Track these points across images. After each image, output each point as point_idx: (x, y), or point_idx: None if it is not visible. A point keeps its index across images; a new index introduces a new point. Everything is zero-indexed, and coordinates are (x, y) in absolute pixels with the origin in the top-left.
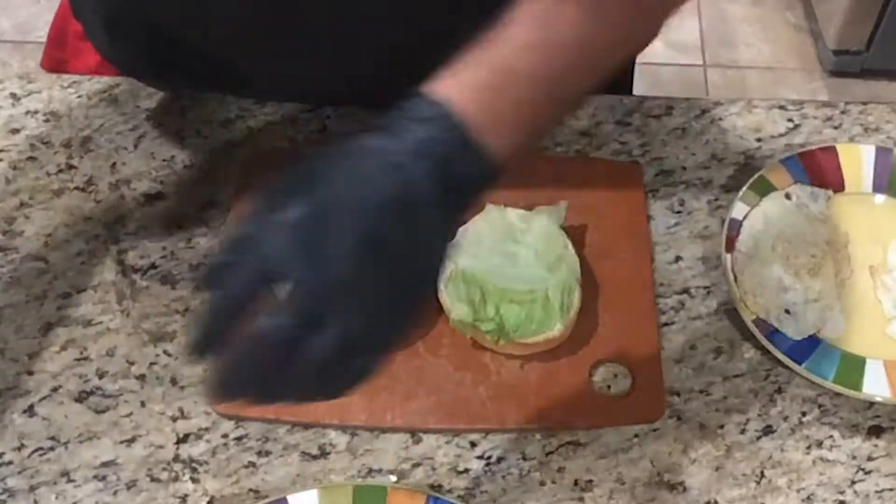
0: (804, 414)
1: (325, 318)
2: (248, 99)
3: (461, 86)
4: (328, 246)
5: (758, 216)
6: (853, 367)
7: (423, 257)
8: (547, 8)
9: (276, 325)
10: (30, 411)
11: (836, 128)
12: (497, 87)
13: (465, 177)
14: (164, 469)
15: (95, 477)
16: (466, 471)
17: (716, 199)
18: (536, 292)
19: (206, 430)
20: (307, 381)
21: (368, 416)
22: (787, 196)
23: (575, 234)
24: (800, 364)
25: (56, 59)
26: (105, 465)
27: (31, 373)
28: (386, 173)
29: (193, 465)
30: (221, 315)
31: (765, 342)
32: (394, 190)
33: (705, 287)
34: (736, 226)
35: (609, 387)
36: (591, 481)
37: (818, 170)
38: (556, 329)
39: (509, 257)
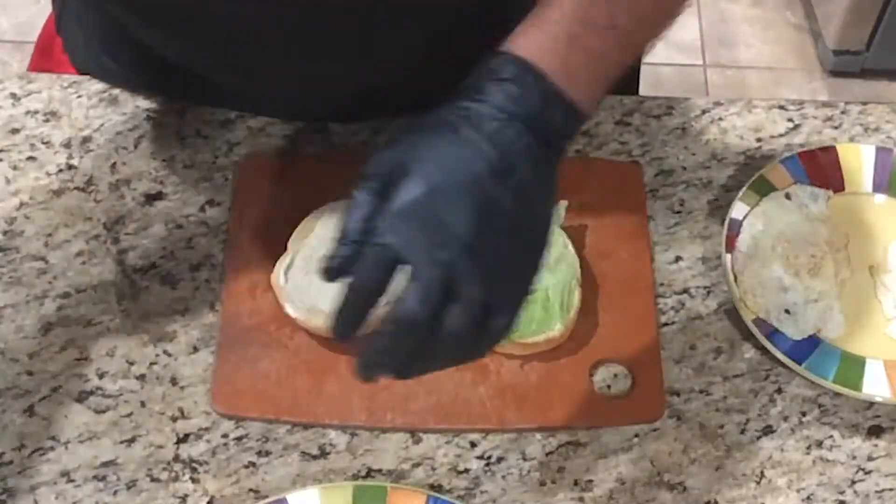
0: (804, 414)
1: (458, 291)
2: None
3: (537, 42)
4: (447, 224)
5: (758, 216)
6: (853, 367)
7: (534, 212)
8: None
9: (412, 309)
10: (30, 411)
11: (836, 128)
12: (571, 41)
13: (556, 128)
14: (164, 469)
15: (95, 477)
16: (466, 471)
17: (716, 199)
18: (536, 292)
19: (206, 430)
20: (449, 350)
21: (368, 416)
22: (787, 196)
23: (575, 234)
24: (800, 364)
25: (41, 69)
26: (105, 465)
27: (31, 373)
28: (484, 140)
29: (193, 465)
30: (357, 306)
31: (765, 342)
32: (495, 156)
33: (705, 287)
34: (736, 226)
35: (609, 387)
36: (591, 481)
37: (818, 170)
38: (555, 329)
39: None
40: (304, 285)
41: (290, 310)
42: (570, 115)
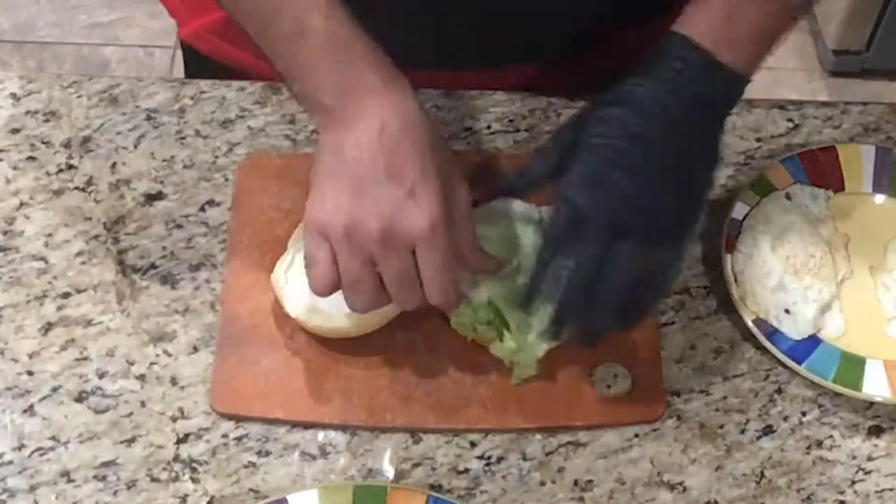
0: (804, 414)
1: (625, 235)
2: None
3: (700, 20)
4: (614, 186)
5: (758, 216)
6: (853, 367)
7: (693, 172)
8: None
9: (582, 247)
10: (30, 411)
11: (836, 128)
12: (731, 15)
13: (718, 95)
14: (164, 469)
15: (95, 477)
16: (466, 471)
17: (716, 199)
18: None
19: (206, 430)
20: (622, 289)
21: (368, 416)
22: (787, 196)
23: None
24: (800, 364)
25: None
26: (105, 465)
27: (31, 373)
28: (649, 113)
29: (193, 465)
30: (584, 279)
31: (765, 342)
32: (659, 126)
33: (705, 287)
34: (736, 226)
35: (609, 387)
36: (591, 481)
37: (818, 170)
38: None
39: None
40: (303, 285)
41: (289, 309)
42: (732, 82)
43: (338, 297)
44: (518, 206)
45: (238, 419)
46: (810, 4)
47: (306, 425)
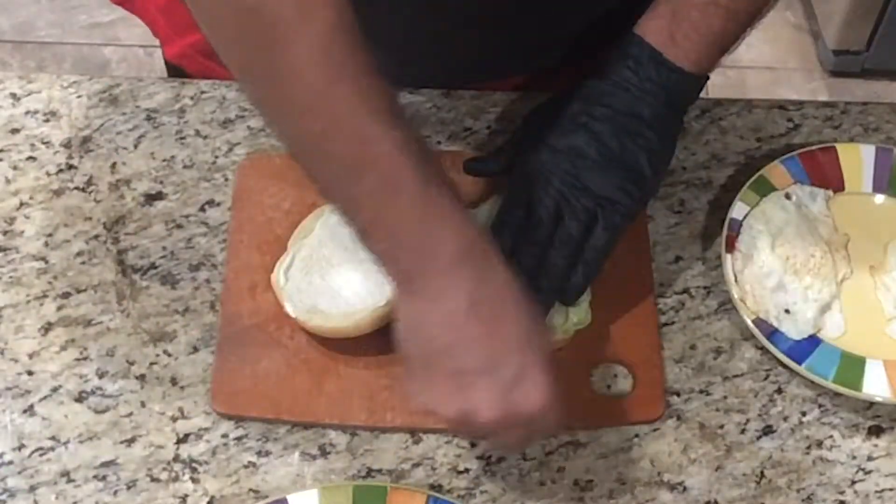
0: (804, 414)
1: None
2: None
3: (650, 20)
4: (613, 166)
5: (758, 216)
6: (853, 367)
7: (666, 155)
8: None
9: (539, 215)
10: (30, 411)
11: (836, 128)
12: (675, 15)
13: (672, 91)
14: (164, 469)
15: (95, 477)
16: (466, 471)
17: (716, 199)
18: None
19: (206, 430)
20: (563, 255)
21: (368, 416)
22: (787, 196)
23: None
24: (800, 364)
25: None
26: (105, 465)
27: (31, 373)
28: (603, 104)
29: (193, 465)
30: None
31: (765, 342)
32: (610, 118)
33: (705, 287)
34: (736, 226)
35: (609, 387)
36: (591, 481)
37: (818, 170)
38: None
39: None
40: (303, 285)
41: (289, 309)
42: (683, 79)
43: (336, 296)
44: None
45: (238, 419)
46: (762, 11)
47: (306, 425)
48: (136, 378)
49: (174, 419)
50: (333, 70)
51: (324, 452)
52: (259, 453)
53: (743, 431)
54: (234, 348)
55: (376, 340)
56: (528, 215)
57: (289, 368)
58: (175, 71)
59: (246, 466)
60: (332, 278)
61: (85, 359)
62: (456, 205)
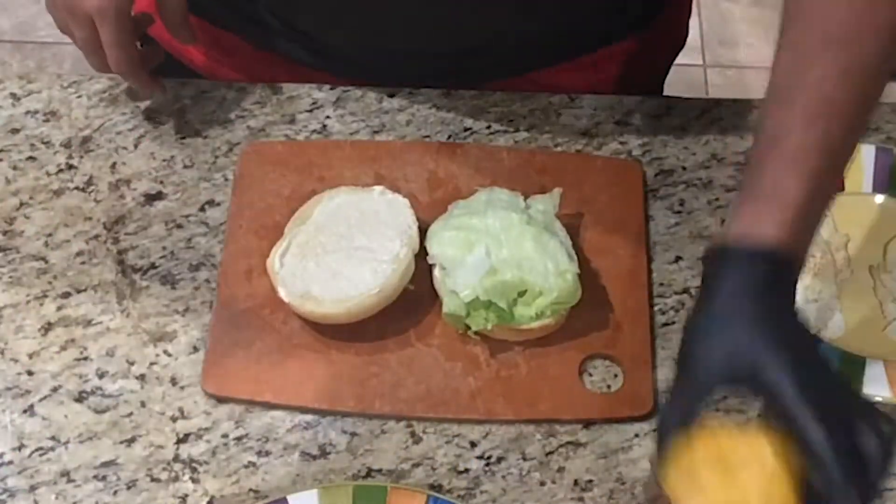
0: None
1: None
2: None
3: (776, 227)
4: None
5: None
6: (853, 367)
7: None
8: (821, 97)
9: None
10: (30, 411)
11: None
12: (805, 217)
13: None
14: (164, 469)
15: (95, 477)
16: (466, 471)
17: (716, 199)
18: (535, 283)
19: (206, 430)
20: None
21: (357, 403)
22: None
23: (572, 229)
24: None
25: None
26: (105, 465)
27: (31, 373)
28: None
29: (193, 465)
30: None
31: None
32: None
33: None
34: None
35: (598, 381)
36: (591, 481)
37: None
38: (551, 317)
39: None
40: (298, 271)
41: (283, 294)
42: (796, 277)
43: (329, 282)
44: (503, 194)
45: (227, 401)
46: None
47: (294, 409)
48: (136, 378)
49: (174, 419)
50: None
51: (324, 452)
52: (259, 453)
53: None
54: (227, 331)
55: (368, 328)
56: None
57: (281, 353)
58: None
59: (246, 466)
60: (326, 265)
61: (85, 359)
62: None
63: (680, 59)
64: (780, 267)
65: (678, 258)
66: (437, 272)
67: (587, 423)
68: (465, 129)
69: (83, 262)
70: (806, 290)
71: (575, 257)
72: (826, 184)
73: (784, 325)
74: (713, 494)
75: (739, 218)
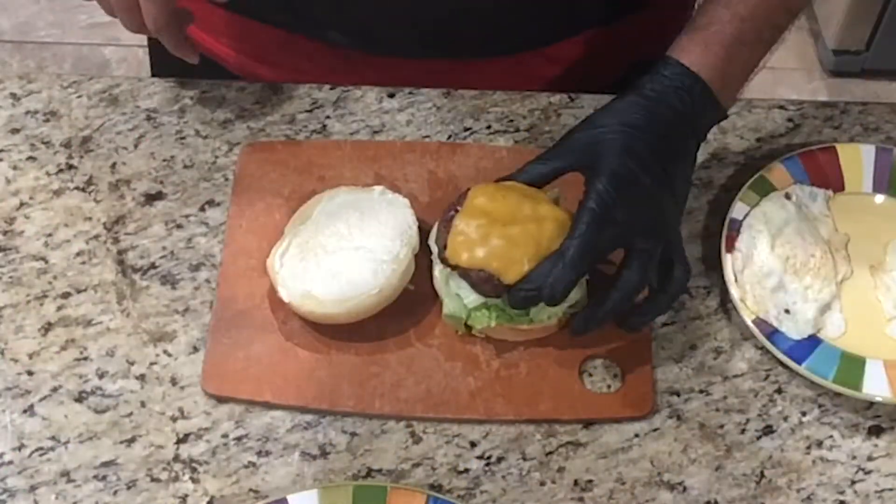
0: (804, 414)
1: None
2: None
3: (702, 58)
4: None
5: (758, 216)
6: (853, 367)
7: (686, 179)
8: None
9: (637, 280)
10: (30, 411)
11: (836, 128)
12: (729, 57)
13: (705, 123)
14: (164, 469)
15: (95, 477)
16: (466, 471)
17: (716, 199)
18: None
19: (206, 430)
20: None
21: (357, 403)
22: (787, 196)
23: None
24: (800, 364)
25: None
26: (105, 465)
27: (31, 373)
28: (656, 128)
29: (193, 465)
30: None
31: (765, 342)
32: (659, 141)
33: (705, 287)
34: (736, 226)
35: (598, 381)
36: (591, 481)
37: (818, 170)
38: (554, 318)
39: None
40: (298, 271)
41: (283, 294)
42: (719, 114)
43: (330, 282)
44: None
45: (227, 401)
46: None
47: (295, 409)
48: (136, 378)
49: (174, 419)
50: None
51: (324, 452)
52: (259, 453)
53: (743, 431)
54: (227, 330)
55: (368, 328)
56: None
57: (280, 353)
58: (155, 45)
59: (246, 466)
60: (326, 265)
61: (85, 359)
62: None
63: None
64: (694, 86)
65: None
66: (437, 272)
67: (587, 423)
68: (465, 129)
69: (83, 262)
70: (806, 290)
71: None
72: (752, 37)
73: (657, 143)
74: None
75: (673, 47)
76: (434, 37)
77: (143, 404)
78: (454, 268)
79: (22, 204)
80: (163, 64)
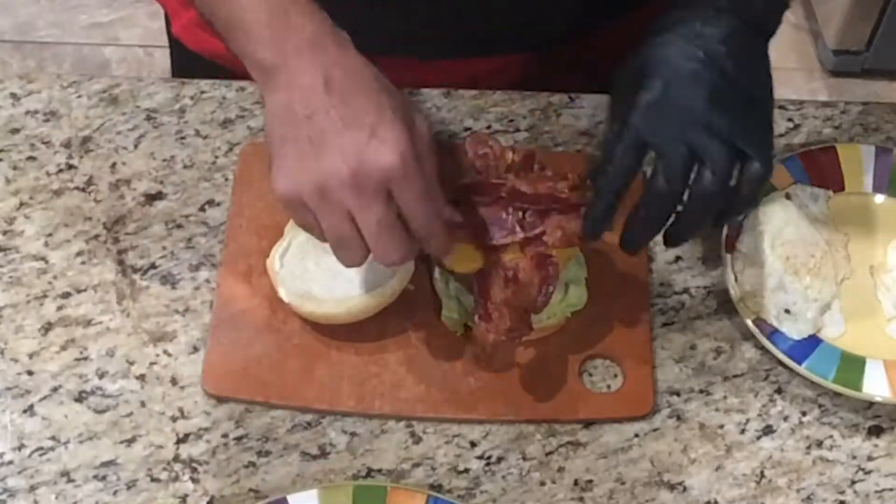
0: (804, 414)
1: (704, 158)
2: None
3: None
4: (680, 108)
5: (758, 216)
6: (853, 367)
7: (755, 79)
8: None
9: (660, 184)
10: (30, 411)
11: (836, 128)
12: None
13: (758, 12)
14: (164, 469)
15: (95, 477)
16: (466, 471)
17: None
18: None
19: (206, 430)
20: (710, 206)
21: (357, 403)
22: (787, 196)
23: None
24: (800, 364)
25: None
26: (105, 465)
27: (31, 373)
28: (700, 36)
29: (193, 465)
30: (616, 183)
31: (765, 342)
32: (712, 46)
33: (705, 287)
34: (736, 226)
35: (599, 381)
36: (591, 481)
37: (818, 170)
38: (555, 319)
39: None
40: (298, 271)
41: (283, 294)
42: (770, 1)
43: (330, 282)
44: None
45: (227, 401)
46: None
47: (295, 408)
48: (136, 378)
49: (174, 419)
50: None
51: (324, 452)
52: (259, 453)
53: (743, 431)
54: (227, 331)
55: (368, 328)
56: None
57: (280, 353)
58: (178, 48)
59: (246, 466)
60: (326, 265)
61: (85, 359)
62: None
63: None
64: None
65: (678, 258)
66: (437, 274)
67: (587, 423)
68: (465, 129)
69: (83, 262)
70: (806, 290)
71: (584, 263)
72: None
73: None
74: None
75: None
76: (434, 37)
77: (143, 404)
78: (452, 271)
79: (22, 204)
80: (185, 68)
